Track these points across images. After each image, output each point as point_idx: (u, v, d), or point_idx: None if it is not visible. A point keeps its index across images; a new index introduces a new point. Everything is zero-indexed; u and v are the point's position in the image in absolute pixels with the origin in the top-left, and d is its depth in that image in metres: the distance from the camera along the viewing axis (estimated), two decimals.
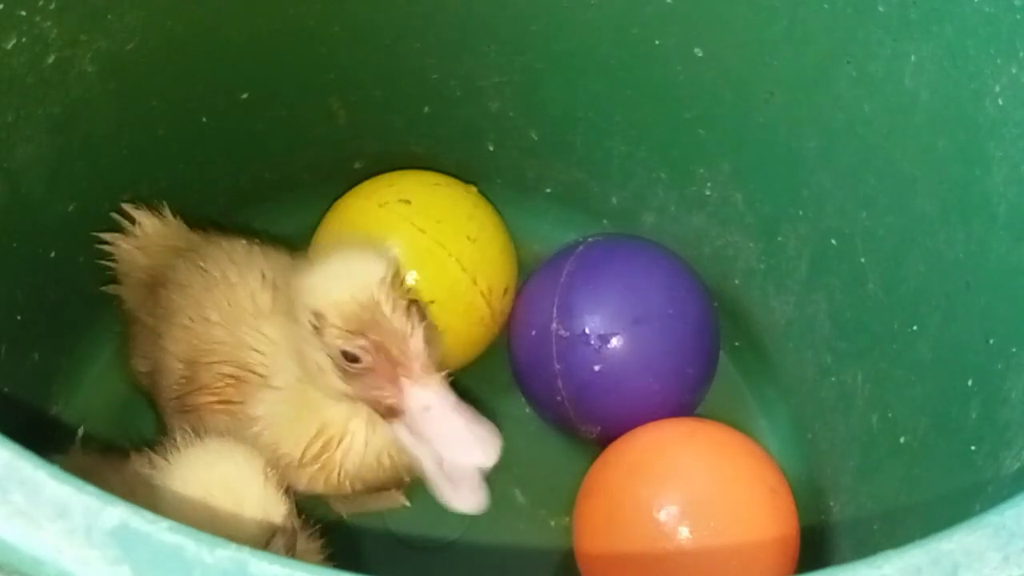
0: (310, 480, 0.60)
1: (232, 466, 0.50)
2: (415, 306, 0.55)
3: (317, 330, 0.54)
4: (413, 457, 0.56)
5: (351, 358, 0.54)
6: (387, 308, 0.54)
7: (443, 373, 0.55)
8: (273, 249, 0.66)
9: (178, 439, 0.53)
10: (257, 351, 0.60)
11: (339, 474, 0.60)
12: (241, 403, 0.60)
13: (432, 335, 0.55)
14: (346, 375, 0.55)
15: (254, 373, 0.60)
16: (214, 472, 0.50)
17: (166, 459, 0.52)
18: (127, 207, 0.67)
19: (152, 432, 0.69)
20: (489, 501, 0.55)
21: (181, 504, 0.49)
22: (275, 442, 0.60)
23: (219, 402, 0.60)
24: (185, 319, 0.62)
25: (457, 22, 0.66)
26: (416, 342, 0.54)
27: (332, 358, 0.55)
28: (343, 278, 0.55)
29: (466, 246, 0.69)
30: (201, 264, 0.64)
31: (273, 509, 0.50)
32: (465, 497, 0.55)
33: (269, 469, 0.51)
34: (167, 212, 0.68)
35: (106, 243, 0.66)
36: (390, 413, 0.55)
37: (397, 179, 0.73)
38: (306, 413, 0.59)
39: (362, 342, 0.53)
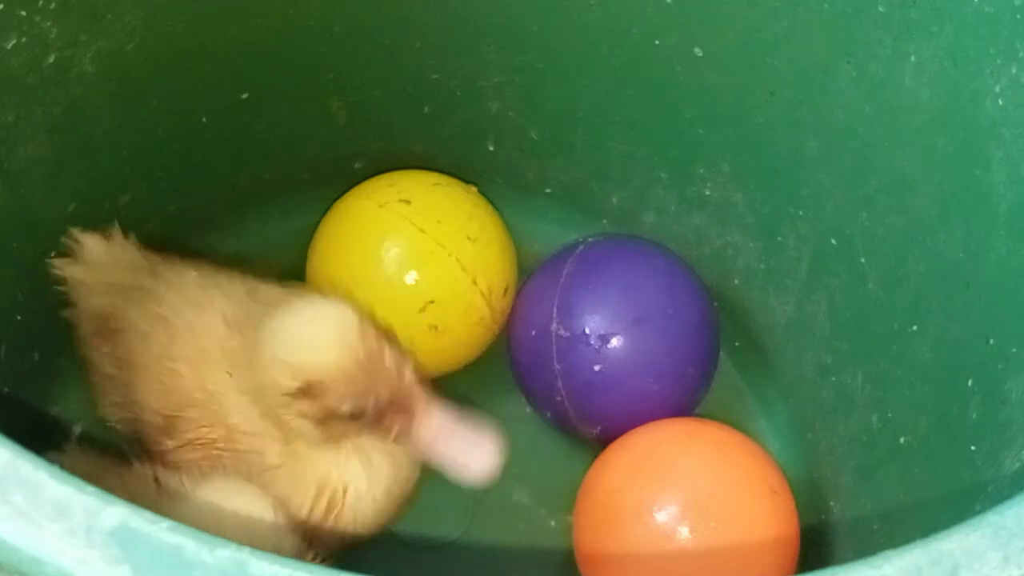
0: (324, 536, 0.59)
1: (243, 502, 0.51)
2: (393, 343, 0.56)
3: (308, 396, 0.54)
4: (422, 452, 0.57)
5: (356, 415, 0.55)
6: (379, 356, 0.54)
7: (431, 390, 0.56)
8: (227, 277, 0.64)
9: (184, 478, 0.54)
10: (238, 412, 0.59)
11: (354, 524, 0.59)
12: (234, 456, 0.59)
13: (409, 359, 0.57)
14: (332, 427, 0.55)
15: (240, 432, 0.59)
16: (227, 507, 0.50)
17: (176, 490, 0.52)
18: (75, 232, 0.64)
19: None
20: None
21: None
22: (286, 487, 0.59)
23: (208, 458, 0.59)
24: (154, 370, 0.60)
25: (457, 22, 0.66)
26: (409, 380, 0.55)
27: (313, 418, 0.55)
28: (328, 343, 0.54)
29: (466, 246, 0.69)
30: (157, 309, 0.61)
31: (284, 544, 0.50)
32: (480, 462, 0.56)
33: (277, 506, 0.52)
34: (118, 236, 0.65)
35: (56, 269, 0.64)
36: (396, 439, 0.56)
37: (397, 179, 0.73)
38: (301, 470, 0.58)
39: (372, 404, 0.54)
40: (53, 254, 0.63)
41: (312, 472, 0.58)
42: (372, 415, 0.55)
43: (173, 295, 0.62)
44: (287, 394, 0.55)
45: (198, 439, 0.59)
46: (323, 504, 0.58)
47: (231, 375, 0.59)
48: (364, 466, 0.58)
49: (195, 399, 0.59)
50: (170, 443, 0.60)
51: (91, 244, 0.64)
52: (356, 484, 0.59)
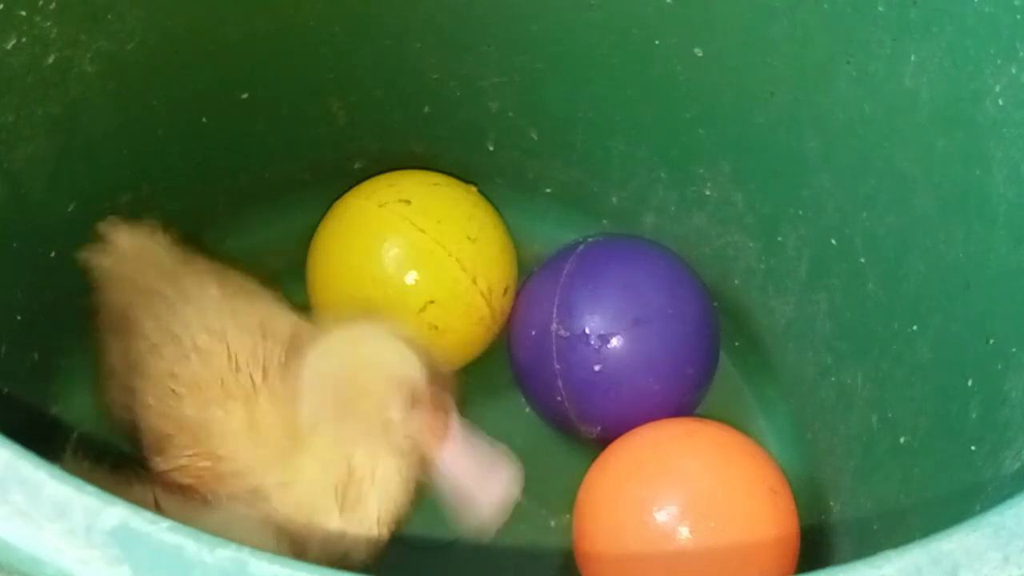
0: (345, 537, 0.59)
1: (247, 536, 0.51)
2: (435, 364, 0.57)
3: (415, 408, 0.56)
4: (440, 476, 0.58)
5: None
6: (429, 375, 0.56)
7: (458, 417, 0.57)
8: (246, 302, 0.63)
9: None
10: (229, 446, 0.59)
11: (378, 517, 0.59)
12: (221, 485, 0.59)
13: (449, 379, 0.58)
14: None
15: (229, 464, 0.59)
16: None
17: (178, 515, 0.52)
18: (105, 223, 0.64)
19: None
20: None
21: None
22: (304, 503, 0.59)
23: (196, 483, 0.59)
24: (156, 386, 0.60)
25: (457, 22, 0.66)
26: (447, 403, 0.56)
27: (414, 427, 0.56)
28: (402, 349, 0.56)
29: (466, 246, 0.69)
30: (171, 324, 0.61)
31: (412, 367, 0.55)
32: (494, 492, 0.57)
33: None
34: (151, 230, 0.65)
35: (84, 257, 0.64)
36: (420, 446, 0.57)
37: (397, 179, 0.73)
38: (318, 486, 0.58)
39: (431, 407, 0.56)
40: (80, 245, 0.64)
41: (325, 477, 0.58)
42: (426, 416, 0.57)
43: (190, 312, 0.62)
44: (399, 417, 0.56)
45: (187, 465, 0.59)
46: (349, 500, 0.58)
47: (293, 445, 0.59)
48: (394, 459, 0.59)
49: (189, 425, 0.59)
50: (160, 463, 0.60)
51: (122, 236, 0.64)
52: (387, 471, 0.59)
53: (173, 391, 0.60)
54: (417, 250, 0.68)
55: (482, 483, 0.57)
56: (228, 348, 0.60)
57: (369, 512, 0.59)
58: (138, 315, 0.62)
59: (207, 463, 0.58)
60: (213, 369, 0.60)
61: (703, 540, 0.60)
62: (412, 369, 0.56)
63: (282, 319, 0.63)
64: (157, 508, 0.55)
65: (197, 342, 0.60)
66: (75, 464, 0.60)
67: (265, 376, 0.59)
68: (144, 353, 0.61)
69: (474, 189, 0.74)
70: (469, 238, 0.69)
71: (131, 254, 0.64)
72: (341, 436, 0.58)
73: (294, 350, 0.60)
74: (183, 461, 0.59)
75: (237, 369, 0.59)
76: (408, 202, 0.70)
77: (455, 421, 0.57)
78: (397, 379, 0.56)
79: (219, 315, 0.62)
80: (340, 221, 0.71)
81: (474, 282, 0.69)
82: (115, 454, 0.62)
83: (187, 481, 0.59)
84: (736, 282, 0.72)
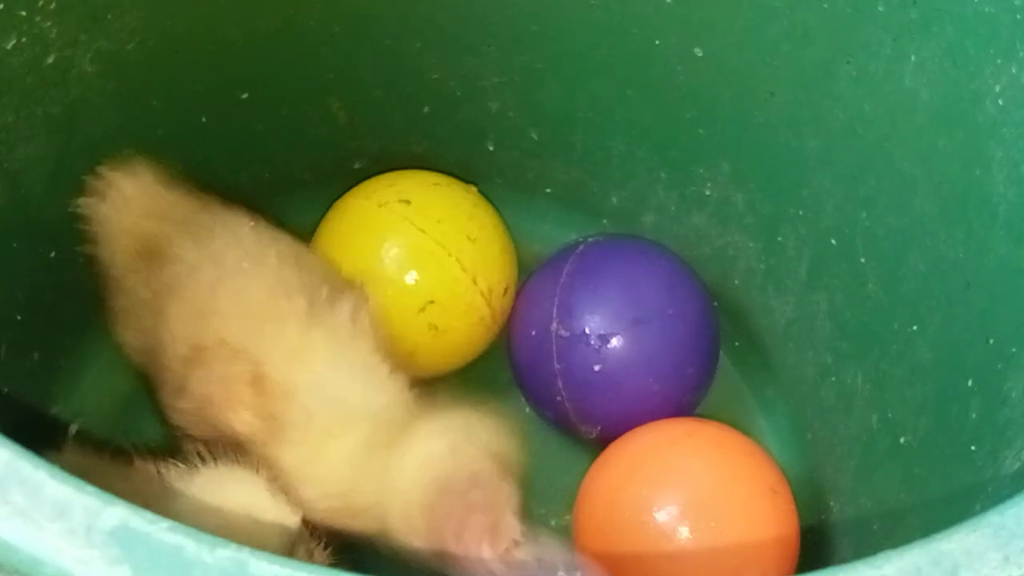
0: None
1: (243, 487, 0.50)
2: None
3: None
4: None
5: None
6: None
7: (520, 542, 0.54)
8: (276, 236, 0.63)
9: (182, 466, 0.53)
10: (272, 366, 0.57)
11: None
12: (260, 403, 0.58)
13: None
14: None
15: (270, 383, 0.58)
16: (226, 496, 0.50)
17: (173, 481, 0.52)
18: (102, 169, 0.63)
19: (153, 432, 0.69)
20: None
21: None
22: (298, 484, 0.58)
23: (228, 400, 0.58)
24: (195, 301, 0.60)
25: (457, 22, 0.66)
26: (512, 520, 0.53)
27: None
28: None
29: (466, 246, 0.69)
30: (211, 246, 0.61)
31: (288, 521, 0.50)
32: None
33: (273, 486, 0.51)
34: (146, 171, 0.64)
35: (83, 208, 0.63)
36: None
37: (397, 179, 0.73)
38: (317, 466, 0.57)
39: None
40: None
41: (328, 461, 0.57)
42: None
43: (229, 238, 0.62)
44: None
45: (221, 377, 0.58)
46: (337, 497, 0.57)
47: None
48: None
49: (230, 338, 0.58)
50: (189, 374, 0.59)
51: (121, 181, 0.63)
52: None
53: (215, 308, 0.59)
54: (417, 250, 0.68)
55: None
56: (273, 272, 0.60)
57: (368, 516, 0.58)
58: (171, 240, 0.62)
59: (248, 372, 0.58)
60: (257, 291, 0.59)
61: (703, 540, 0.60)
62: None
63: (312, 257, 0.64)
64: (159, 481, 0.54)
65: (241, 264, 0.60)
66: (76, 450, 0.60)
67: (311, 305, 0.58)
68: (181, 274, 0.61)
69: (474, 189, 0.74)
70: (469, 238, 0.69)
71: (135, 195, 0.63)
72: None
73: (335, 290, 0.60)
74: (219, 369, 0.58)
75: (286, 295, 0.59)
76: (408, 202, 0.70)
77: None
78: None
79: (257, 244, 0.62)
80: (340, 221, 0.71)
81: (474, 282, 0.69)
82: (115, 446, 0.62)
83: (219, 393, 0.58)
84: (736, 282, 0.72)
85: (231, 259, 0.60)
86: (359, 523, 0.58)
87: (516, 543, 0.52)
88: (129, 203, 0.63)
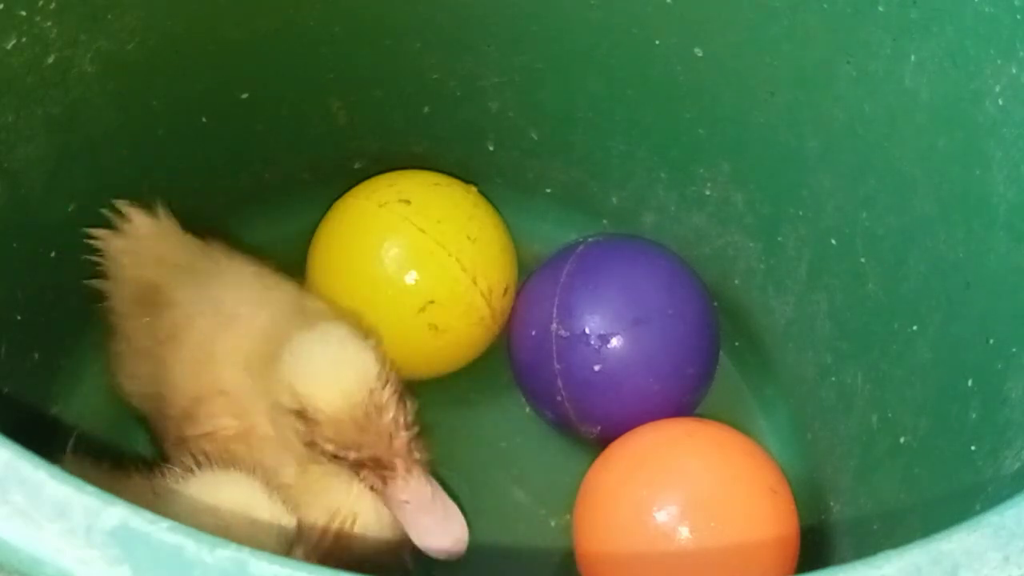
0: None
1: (239, 489, 0.50)
2: (403, 401, 0.56)
3: (300, 420, 0.55)
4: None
5: (336, 457, 0.55)
6: (377, 414, 0.54)
7: (421, 462, 0.56)
8: (279, 281, 0.64)
9: (178, 471, 0.54)
10: (263, 416, 0.58)
11: (361, 551, 0.59)
12: (248, 458, 0.58)
13: (415, 421, 0.57)
14: (318, 454, 0.55)
15: (260, 438, 0.58)
16: (222, 497, 0.50)
17: (169, 488, 0.52)
18: (120, 204, 0.64)
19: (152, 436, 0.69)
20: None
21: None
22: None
23: (227, 452, 0.59)
24: (193, 351, 0.60)
25: (457, 22, 0.66)
26: (400, 443, 0.55)
27: (302, 440, 0.55)
28: (335, 385, 0.54)
29: (466, 246, 0.69)
30: (211, 292, 0.62)
31: (285, 522, 0.50)
32: (440, 536, 0.57)
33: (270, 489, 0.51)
34: (163, 213, 0.66)
35: (96, 240, 0.64)
36: (370, 488, 0.57)
37: (397, 179, 0.73)
38: (311, 499, 0.58)
39: (353, 454, 0.54)
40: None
41: (323, 499, 0.58)
42: (350, 463, 0.55)
43: (228, 283, 0.62)
44: (285, 408, 0.55)
45: (219, 431, 0.59)
46: (330, 531, 0.58)
47: (251, 374, 0.58)
48: (375, 500, 0.58)
49: (225, 389, 0.59)
50: (189, 428, 0.60)
51: (138, 218, 0.64)
52: (365, 518, 0.58)
53: (212, 356, 0.59)
54: (417, 250, 0.68)
55: (430, 533, 0.57)
56: (272, 318, 0.60)
57: (351, 546, 0.59)
58: (171, 287, 0.62)
59: (241, 428, 0.58)
60: (256, 338, 0.59)
61: (703, 540, 0.60)
62: (318, 393, 0.54)
63: (313, 300, 0.64)
64: (155, 495, 0.55)
65: (240, 312, 0.60)
66: (75, 462, 0.60)
67: None
68: (179, 322, 0.61)
69: (474, 189, 0.74)
70: (469, 238, 0.69)
71: (149, 234, 0.64)
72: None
73: None
74: (214, 425, 0.59)
75: (287, 343, 0.59)
76: (408, 202, 0.70)
77: (411, 471, 0.56)
78: (294, 387, 0.55)
79: (256, 289, 0.62)
80: (340, 221, 0.71)
81: (474, 282, 0.69)
82: (115, 453, 0.62)
83: (212, 447, 0.59)
84: (736, 282, 0.72)
85: (231, 305, 0.61)
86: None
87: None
88: (141, 241, 0.64)
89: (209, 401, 0.59)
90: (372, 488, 0.56)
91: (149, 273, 0.64)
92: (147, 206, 0.66)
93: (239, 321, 0.60)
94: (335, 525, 0.58)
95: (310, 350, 0.56)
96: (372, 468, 0.55)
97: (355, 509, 0.58)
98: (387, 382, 0.55)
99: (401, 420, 0.55)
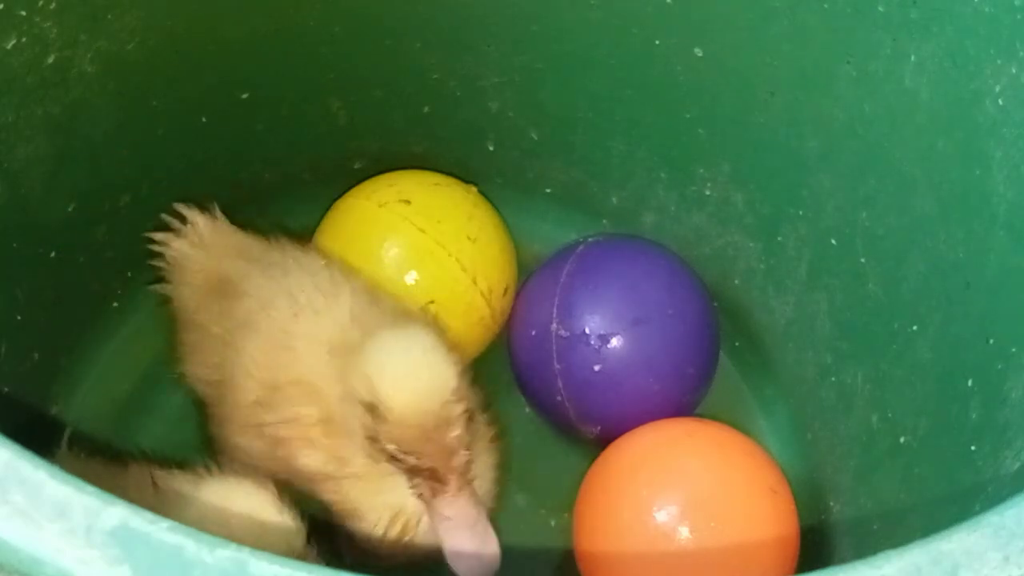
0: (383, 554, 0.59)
1: (249, 499, 0.50)
2: (472, 422, 0.56)
3: (370, 414, 0.54)
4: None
5: (394, 459, 0.55)
6: (445, 427, 0.54)
7: (473, 483, 0.56)
8: (352, 276, 0.65)
9: (184, 471, 0.54)
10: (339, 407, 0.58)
11: (420, 552, 0.59)
12: (330, 444, 0.58)
13: (475, 441, 0.57)
14: (377, 451, 0.55)
15: (334, 427, 0.58)
16: (232, 506, 0.50)
17: (178, 488, 0.52)
18: (179, 206, 0.66)
19: (152, 434, 0.69)
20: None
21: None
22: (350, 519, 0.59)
23: (305, 439, 0.59)
24: (269, 340, 0.60)
25: (457, 22, 0.66)
26: (459, 461, 0.55)
27: (369, 438, 0.55)
28: (413, 389, 0.54)
29: (466, 246, 0.69)
30: (285, 282, 0.62)
31: (294, 539, 0.50)
32: (472, 561, 0.56)
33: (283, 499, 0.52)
34: (219, 214, 0.67)
35: (159, 244, 0.66)
36: (418, 495, 0.57)
37: (397, 179, 0.73)
38: (378, 494, 0.58)
39: (412, 460, 0.54)
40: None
41: (390, 496, 0.58)
42: (406, 467, 0.55)
43: (303, 274, 0.63)
44: (358, 398, 0.55)
45: (300, 417, 0.59)
46: (394, 529, 0.58)
47: (331, 360, 0.58)
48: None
49: (301, 378, 0.59)
50: (264, 415, 0.60)
51: (197, 219, 0.67)
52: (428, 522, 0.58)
53: (289, 346, 0.60)
54: (417, 250, 0.68)
55: (462, 555, 0.56)
56: (350, 309, 0.60)
57: (411, 545, 0.59)
58: (245, 276, 0.63)
59: (315, 417, 0.58)
60: (333, 328, 0.60)
61: (703, 540, 0.60)
62: (392, 393, 0.54)
63: (384, 294, 0.64)
64: (154, 488, 0.55)
65: (316, 302, 0.61)
66: (71, 458, 0.60)
67: None
68: (254, 310, 0.62)
69: (474, 189, 0.74)
70: (469, 238, 0.69)
71: (210, 233, 0.66)
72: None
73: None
74: (288, 413, 0.59)
75: (362, 332, 0.59)
76: (408, 202, 0.70)
77: (461, 490, 0.56)
78: (370, 381, 0.54)
79: (329, 280, 0.63)
80: (340, 221, 0.71)
81: (474, 282, 0.69)
82: (113, 452, 0.62)
83: (295, 435, 0.59)
84: (736, 282, 0.72)
85: (304, 295, 0.61)
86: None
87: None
88: (204, 240, 0.66)
89: (287, 388, 0.59)
90: (420, 496, 0.56)
91: (218, 267, 0.65)
92: (203, 208, 0.67)
93: (317, 311, 0.61)
94: (399, 524, 0.58)
95: (395, 348, 0.56)
96: (426, 478, 0.55)
97: (420, 512, 0.58)
98: (461, 399, 0.55)
99: (466, 439, 0.55)
